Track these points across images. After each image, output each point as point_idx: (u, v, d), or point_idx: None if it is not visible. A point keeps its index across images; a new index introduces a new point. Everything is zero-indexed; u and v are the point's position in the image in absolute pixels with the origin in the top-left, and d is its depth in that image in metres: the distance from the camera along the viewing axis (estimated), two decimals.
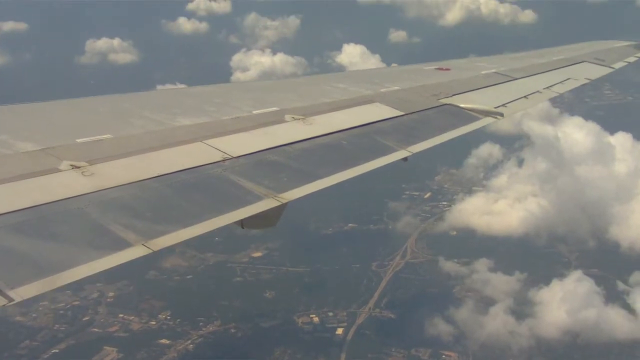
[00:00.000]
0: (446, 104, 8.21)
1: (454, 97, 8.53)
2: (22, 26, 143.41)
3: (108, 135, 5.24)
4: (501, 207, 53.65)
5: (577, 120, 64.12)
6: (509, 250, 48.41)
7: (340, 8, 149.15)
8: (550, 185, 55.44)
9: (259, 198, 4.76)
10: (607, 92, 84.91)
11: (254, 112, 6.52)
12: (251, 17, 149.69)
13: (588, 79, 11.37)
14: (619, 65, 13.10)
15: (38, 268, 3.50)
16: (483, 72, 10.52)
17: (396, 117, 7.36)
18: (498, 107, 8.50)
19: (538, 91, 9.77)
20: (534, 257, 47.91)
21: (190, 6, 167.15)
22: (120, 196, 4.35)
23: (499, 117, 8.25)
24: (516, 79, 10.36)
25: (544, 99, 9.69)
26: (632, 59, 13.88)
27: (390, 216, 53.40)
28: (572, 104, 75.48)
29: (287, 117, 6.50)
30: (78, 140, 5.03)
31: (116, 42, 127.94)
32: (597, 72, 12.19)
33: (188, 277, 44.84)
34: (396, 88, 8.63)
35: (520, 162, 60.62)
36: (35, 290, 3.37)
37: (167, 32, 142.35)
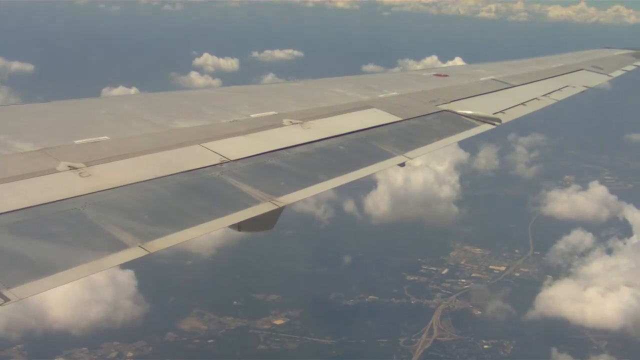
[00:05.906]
0: (444, 110, 8.23)
1: (452, 103, 8.55)
2: (28, 67, 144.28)
3: (106, 137, 5.23)
4: (591, 295, 50.84)
5: None
6: (614, 345, 46.15)
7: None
8: None
9: (256, 201, 4.76)
10: (607, 178, 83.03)
11: (252, 115, 6.51)
12: (268, 78, 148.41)
13: (586, 87, 11.43)
14: (617, 73, 13.21)
15: (35, 268, 3.49)
16: (481, 79, 10.55)
17: (394, 122, 7.36)
18: (496, 113, 8.54)
19: (536, 98, 9.81)
20: None
21: (197, 61, 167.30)
22: (118, 198, 4.35)
23: (496, 123, 8.31)
24: (514, 86, 10.41)
25: (542, 106, 9.72)
26: (629, 67, 13.99)
27: (410, 290, 51.94)
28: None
29: (285, 121, 6.49)
30: (76, 142, 5.02)
31: (133, 91, 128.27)
32: (595, 80, 12.27)
33: (209, 341, 43.26)
34: (394, 94, 8.63)
35: (610, 251, 58.16)
36: (32, 291, 3.35)
37: (179, 86, 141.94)
